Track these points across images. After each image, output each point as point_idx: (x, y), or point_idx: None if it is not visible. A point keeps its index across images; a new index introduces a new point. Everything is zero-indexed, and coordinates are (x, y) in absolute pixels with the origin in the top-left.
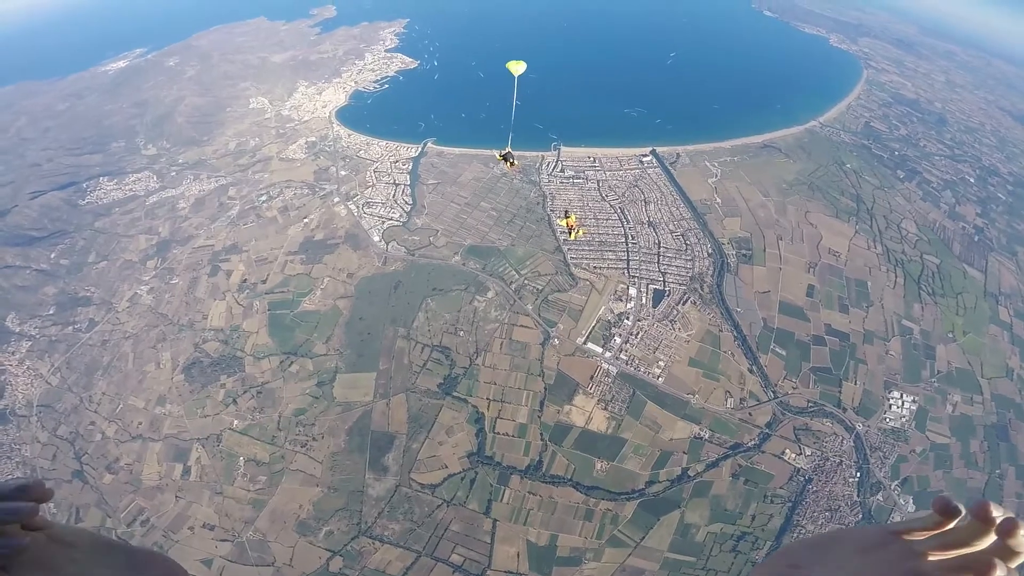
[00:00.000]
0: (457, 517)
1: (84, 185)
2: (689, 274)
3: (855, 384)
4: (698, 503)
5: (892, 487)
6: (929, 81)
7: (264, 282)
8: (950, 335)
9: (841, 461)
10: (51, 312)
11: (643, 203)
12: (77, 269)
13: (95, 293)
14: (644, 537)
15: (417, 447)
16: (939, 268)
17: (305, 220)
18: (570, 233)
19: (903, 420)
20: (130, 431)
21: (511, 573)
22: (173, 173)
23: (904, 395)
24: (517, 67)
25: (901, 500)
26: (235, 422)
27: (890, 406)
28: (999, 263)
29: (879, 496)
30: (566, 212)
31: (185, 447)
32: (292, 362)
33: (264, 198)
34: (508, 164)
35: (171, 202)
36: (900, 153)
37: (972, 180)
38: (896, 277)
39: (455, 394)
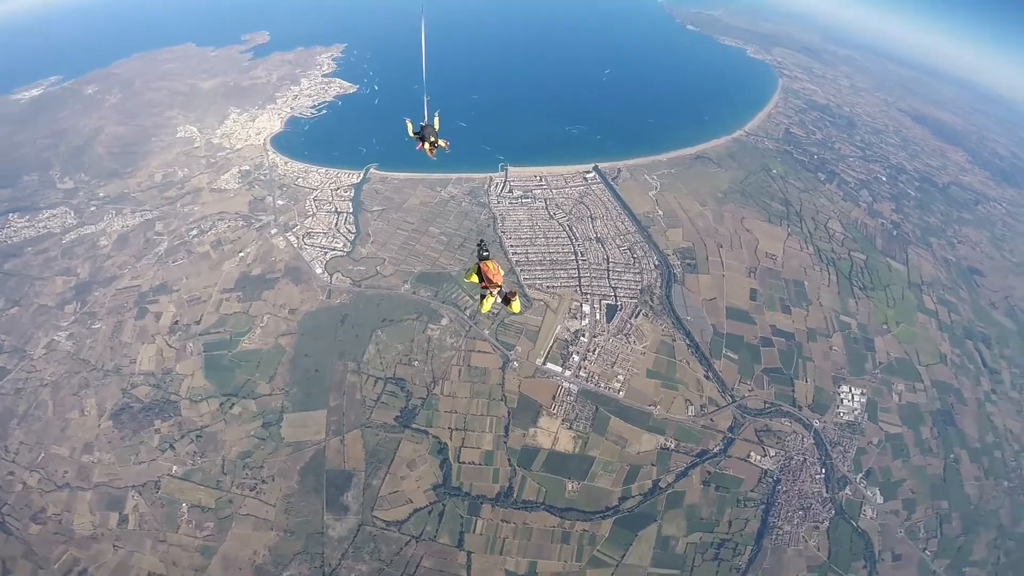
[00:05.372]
0: (428, 552)
1: None
2: (639, 287)
3: (806, 382)
4: (674, 514)
5: (858, 480)
6: (836, 86)
7: (198, 323)
8: (885, 326)
9: (805, 459)
10: None
11: (590, 219)
12: None
13: (6, 340)
14: (624, 555)
15: (378, 483)
16: (866, 263)
17: (241, 254)
18: (506, 301)
19: (855, 413)
20: (55, 480)
21: None
22: (93, 208)
23: (853, 388)
24: None
25: (868, 492)
26: (174, 468)
27: (842, 400)
28: (918, 255)
29: (847, 490)
30: (480, 247)
31: (120, 495)
32: (233, 404)
33: (195, 232)
34: (428, 147)
35: (91, 240)
36: (819, 156)
37: (884, 178)
38: (829, 275)
39: (414, 426)
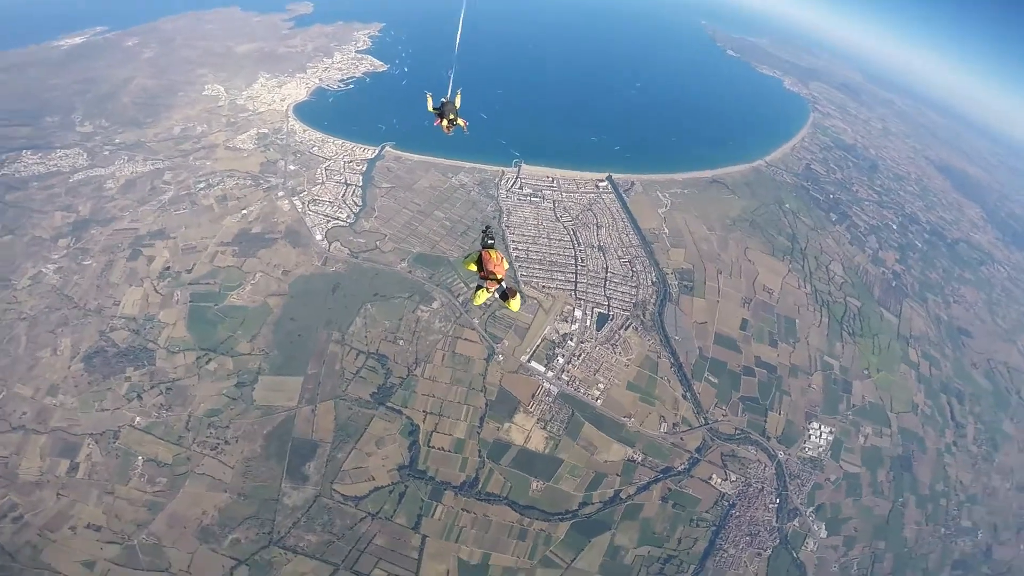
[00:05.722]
0: (382, 531)
1: (2, 157)
2: (633, 300)
3: (779, 414)
4: (628, 525)
5: (808, 513)
6: (868, 128)
7: (189, 271)
8: (865, 372)
9: (763, 487)
10: None
11: (595, 227)
12: None
13: None
14: (575, 559)
15: (342, 457)
16: (860, 310)
17: (244, 211)
18: (504, 298)
19: (820, 450)
20: (11, 421)
21: None
22: (106, 152)
23: (822, 426)
24: None
25: (815, 526)
26: (137, 419)
27: (809, 436)
28: (912, 309)
29: (795, 522)
30: (486, 233)
31: (75, 442)
32: (210, 359)
33: (202, 185)
34: (445, 124)
35: (98, 181)
36: (834, 196)
37: (895, 227)
38: (822, 317)
39: (389, 404)
